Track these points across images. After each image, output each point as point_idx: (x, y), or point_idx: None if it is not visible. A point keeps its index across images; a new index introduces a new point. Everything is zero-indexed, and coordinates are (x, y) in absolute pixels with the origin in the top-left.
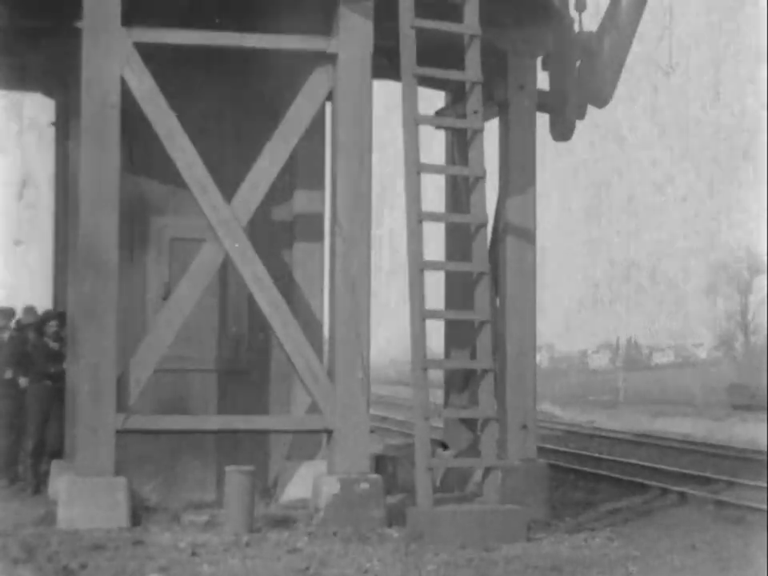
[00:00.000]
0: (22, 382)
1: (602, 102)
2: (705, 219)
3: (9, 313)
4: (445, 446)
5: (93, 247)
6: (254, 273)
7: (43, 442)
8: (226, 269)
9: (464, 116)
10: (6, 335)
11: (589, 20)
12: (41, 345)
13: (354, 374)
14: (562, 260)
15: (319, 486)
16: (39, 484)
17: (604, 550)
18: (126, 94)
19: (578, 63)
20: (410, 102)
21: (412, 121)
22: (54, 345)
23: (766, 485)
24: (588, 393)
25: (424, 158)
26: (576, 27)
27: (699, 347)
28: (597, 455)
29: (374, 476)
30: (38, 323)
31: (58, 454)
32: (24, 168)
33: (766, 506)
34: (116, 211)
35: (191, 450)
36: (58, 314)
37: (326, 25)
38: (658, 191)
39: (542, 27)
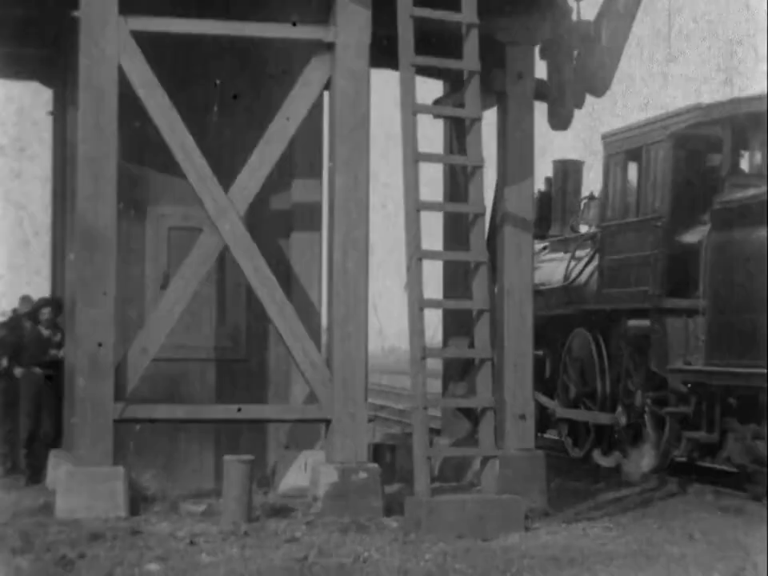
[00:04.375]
0: (17, 372)
1: (600, 90)
2: None
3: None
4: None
5: (90, 235)
6: (251, 262)
7: (37, 431)
8: (224, 258)
9: (462, 105)
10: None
11: (587, 8)
12: (34, 332)
13: (352, 363)
14: None
15: (317, 475)
16: (34, 473)
17: (602, 539)
18: (124, 83)
19: (576, 52)
20: (408, 90)
21: (410, 110)
22: (46, 332)
23: (766, 477)
24: None
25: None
26: (574, 16)
27: None
28: None
29: (372, 465)
30: (32, 311)
31: (53, 443)
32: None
33: (765, 498)
34: (114, 200)
35: (189, 439)
36: (53, 301)
37: (323, 13)
38: None
39: (540, 16)
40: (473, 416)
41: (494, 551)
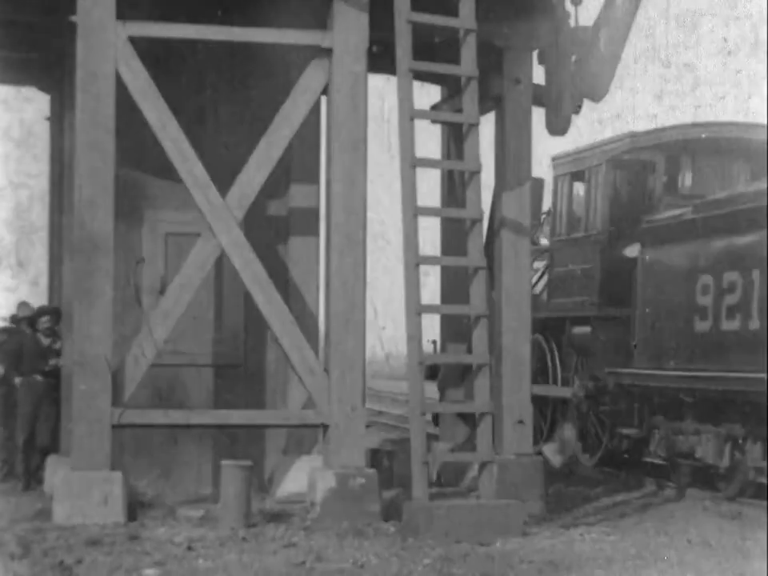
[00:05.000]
0: (16, 381)
1: (598, 96)
2: None
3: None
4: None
5: (88, 240)
6: (249, 267)
7: (34, 438)
8: (222, 263)
9: (460, 110)
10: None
11: (585, 14)
12: (33, 340)
13: (350, 368)
14: None
15: (315, 480)
16: (31, 479)
17: (600, 544)
18: (121, 88)
19: (573, 57)
20: (405, 96)
21: (407, 115)
22: (46, 341)
23: (765, 479)
24: None
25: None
26: (572, 21)
27: None
28: None
29: (370, 470)
30: (31, 318)
31: (50, 449)
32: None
33: (765, 502)
34: (111, 205)
35: (187, 444)
36: (52, 310)
37: (321, 18)
38: None
39: (538, 21)
40: (471, 421)
41: (493, 556)
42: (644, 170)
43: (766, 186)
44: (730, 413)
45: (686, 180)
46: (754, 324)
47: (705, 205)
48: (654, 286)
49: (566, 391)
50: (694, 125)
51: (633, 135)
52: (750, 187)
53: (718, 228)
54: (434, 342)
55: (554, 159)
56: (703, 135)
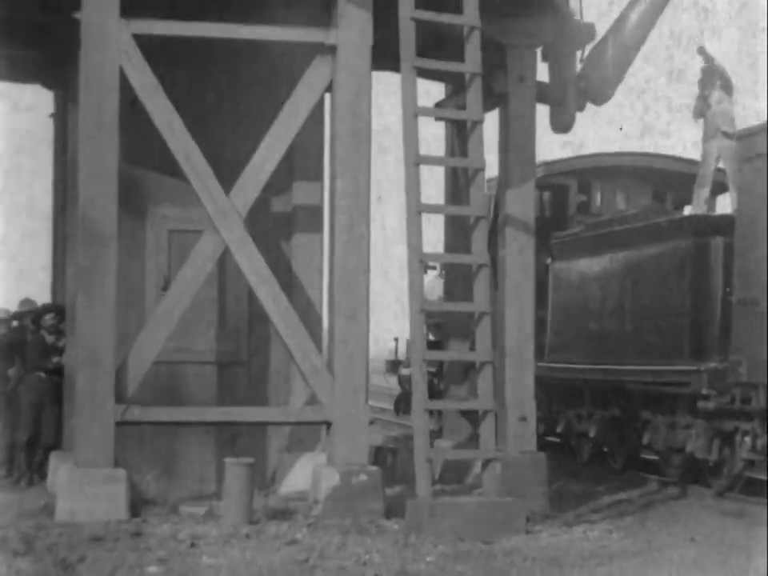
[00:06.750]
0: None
1: (600, 100)
2: None
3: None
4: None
5: (91, 235)
6: (252, 264)
7: (37, 434)
8: (225, 260)
9: (464, 108)
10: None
11: (588, 11)
12: (37, 337)
13: (353, 365)
14: None
15: (318, 477)
16: (34, 476)
17: (603, 542)
18: (125, 85)
19: (579, 53)
20: (409, 93)
21: (411, 112)
22: (50, 338)
23: (766, 478)
24: None
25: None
26: (576, 18)
27: None
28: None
29: (373, 468)
30: (35, 316)
31: (53, 446)
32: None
33: (766, 500)
34: (115, 201)
35: (190, 441)
36: (56, 307)
37: (325, 16)
38: None
39: (542, 18)
40: (474, 418)
41: (495, 554)
42: (560, 192)
43: (635, 210)
44: (613, 399)
45: (596, 201)
46: (628, 326)
47: (591, 225)
48: (559, 293)
49: None
50: (601, 154)
51: (546, 163)
52: (628, 210)
53: (601, 244)
54: (396, 340)
55: (489, 181)
56: (608, 163)
